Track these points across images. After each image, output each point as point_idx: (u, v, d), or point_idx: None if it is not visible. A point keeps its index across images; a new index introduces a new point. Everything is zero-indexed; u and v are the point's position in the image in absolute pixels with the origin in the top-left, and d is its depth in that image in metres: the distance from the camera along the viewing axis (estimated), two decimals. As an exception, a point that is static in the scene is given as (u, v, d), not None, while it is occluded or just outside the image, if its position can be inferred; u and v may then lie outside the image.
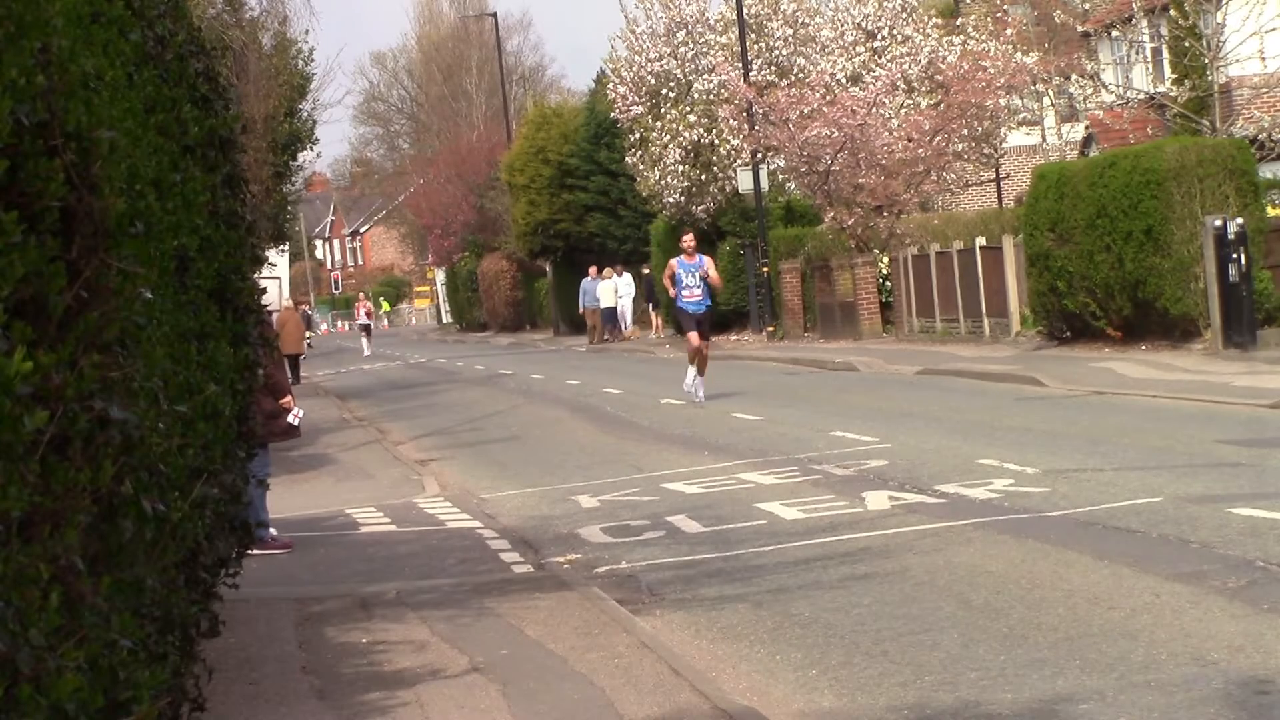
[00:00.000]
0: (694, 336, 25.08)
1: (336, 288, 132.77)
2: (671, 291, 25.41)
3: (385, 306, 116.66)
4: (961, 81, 39.56)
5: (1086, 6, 39.24)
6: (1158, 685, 7.38)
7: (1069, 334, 29.93)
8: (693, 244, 25.41)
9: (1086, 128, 41.72)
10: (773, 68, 45.99)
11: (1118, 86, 38.66)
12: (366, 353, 61.36)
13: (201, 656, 6.93)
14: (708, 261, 25.36)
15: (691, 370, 25.33)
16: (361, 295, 79.93)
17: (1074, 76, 37.43)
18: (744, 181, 44.89)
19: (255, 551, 11.90)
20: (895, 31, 44.68)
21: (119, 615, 4.14)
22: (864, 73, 43.49)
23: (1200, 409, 18.56)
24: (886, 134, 39.71)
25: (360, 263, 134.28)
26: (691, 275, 24.92)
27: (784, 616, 9.68)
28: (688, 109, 47.48)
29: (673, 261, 25.52)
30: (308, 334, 57.93)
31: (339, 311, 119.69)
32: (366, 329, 68.10)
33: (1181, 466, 14.04)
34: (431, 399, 33.40)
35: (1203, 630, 8.33)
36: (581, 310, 55.87)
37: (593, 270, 55.43)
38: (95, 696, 3.75)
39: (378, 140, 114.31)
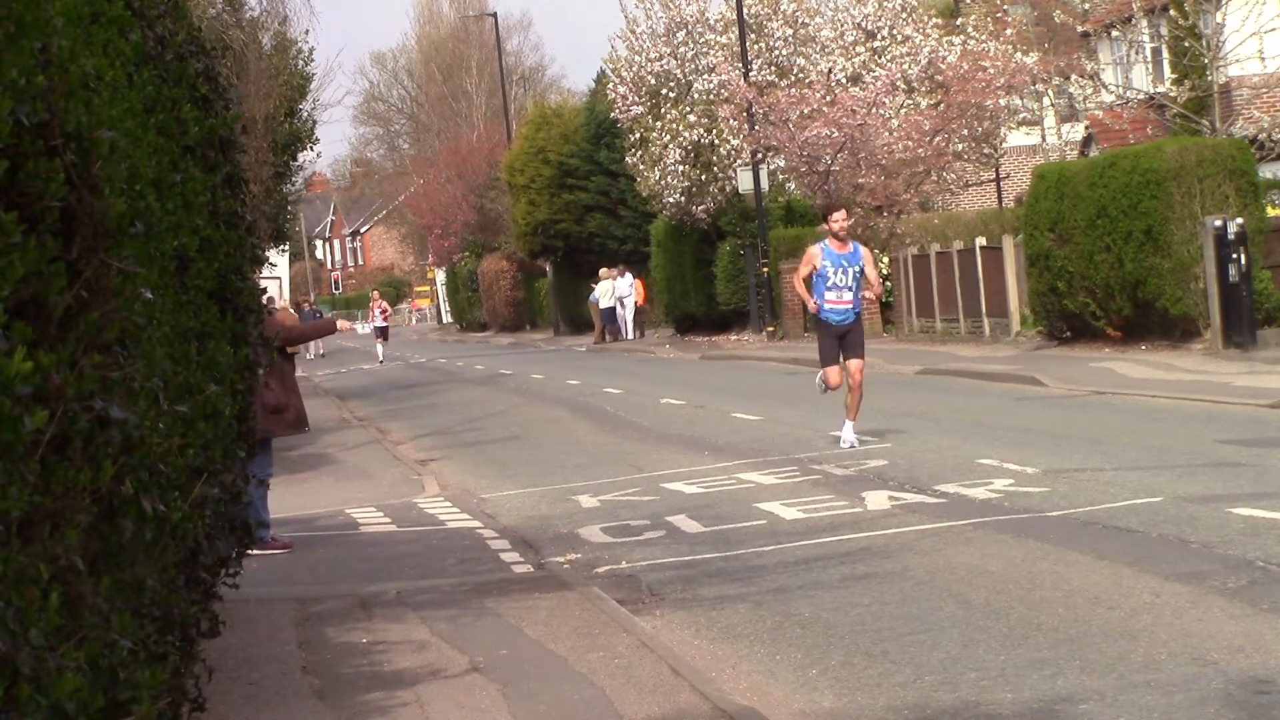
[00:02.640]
0: (832, 373, 17.71)
1: (337, 288, 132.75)
2: (811, 302, 17.65)
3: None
4: (961, 81, 39.56)
5: (1086, 6, 39.23)
6: (1158, 685, 7.38)
7: (1069, 334, 29.94)
8: (846, 225, 17.65)
9: (1086, 128, 41.73)
10: (773, 68, 45.99)
11: (1118, 86, 38.66)
12: (380, 360, 52.13)
13: (201, 656, 6.92)
14: (866, 254, 17.79)
15: (826, 384, 17.99)
16: (375, 293, 63.73)
17: (1074, 76, 37.44)
18: (744, 181, 44.89)
19: (255, 551, 11.90)
20: (895, 31, 44.68)
21: (119, 615, 4.14)
22: (864, 73, 43.50)
23: (1200, 409, 18.56)
24: (886, 134, 39.72)
25: (360, 263, 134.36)
26: (843, 271, 17.38)
27: (784, 616, 9.68)
28: (688, 109, 47.48)
29: (814, 250, 17.75)
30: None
31: (339, 311, 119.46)
32: (383, 332, 55.59)
33: (1181, 466, 14.04)
34: (432, 399, 33.40)
35: (1203, 630, 8.32)
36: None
37: (603, 271, 55.44)
38: (95, 696, 3.75)
39: (378, 140, 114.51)
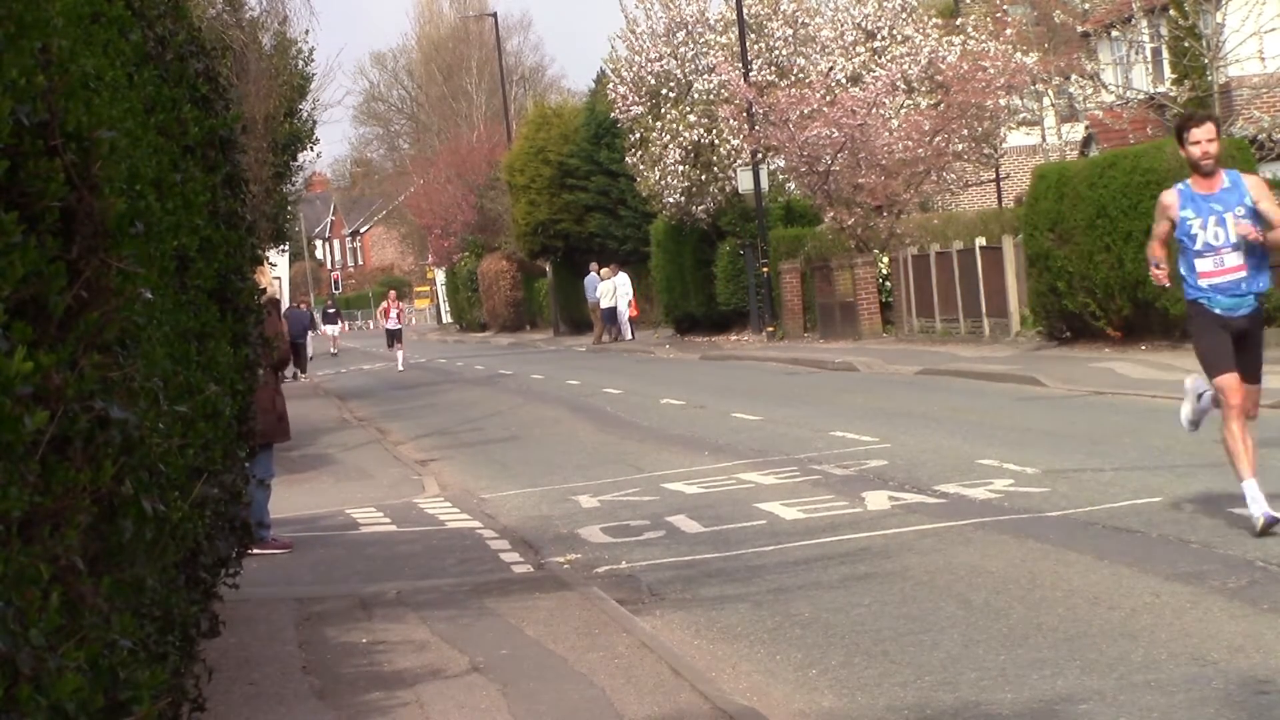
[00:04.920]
0: (1230, 384, 10.66)
1: (336, 288, 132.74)
2: (1160, 271, 11.02)
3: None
4: (961, 81, 39.55)
5: (1086, 6, 39.19)
6: (1158, 685, 7.38)
7: (1069, 334, 29.93)
8: (1213, 150, 10.83)
9: (1086, 128, 41.71)
10: (773, 68, 45.99)
11: (1118, 86, 38.65)
12: (401, 367, 48.01)
13: (201, 656, 6.93)
14: (1252, 183, 10.92)
15: (1195, 383, 11.44)
16: (391, 294, 58.12)
17: (1074, 76, 37.42)
18: (744, 181, 44.89)
19: (255, 551, 11.90)
20: (895, 31, 44.67)
21: (119, 615, 4.14)
22: (864, 73, 43.49)
23: (1200, 409, 18.53)
24: (886, 134, 39.71)
25: (360, 263, 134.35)
26: (1216, 220, 10.74)
27: (784, 616, 9.68)
28: (688, 109, 47.47)
29: (1167, 198, 11.11)
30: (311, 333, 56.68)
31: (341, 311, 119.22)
32: (397, 335, 50.80)
33: (1181, 466, 14.04)
34: (431, 399, 33.40)
35: (1203, 630, 8.32)
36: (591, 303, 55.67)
37: (594, 266, 55.46)
38: (95, 696, 3.75)
39: (378, 140, 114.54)
